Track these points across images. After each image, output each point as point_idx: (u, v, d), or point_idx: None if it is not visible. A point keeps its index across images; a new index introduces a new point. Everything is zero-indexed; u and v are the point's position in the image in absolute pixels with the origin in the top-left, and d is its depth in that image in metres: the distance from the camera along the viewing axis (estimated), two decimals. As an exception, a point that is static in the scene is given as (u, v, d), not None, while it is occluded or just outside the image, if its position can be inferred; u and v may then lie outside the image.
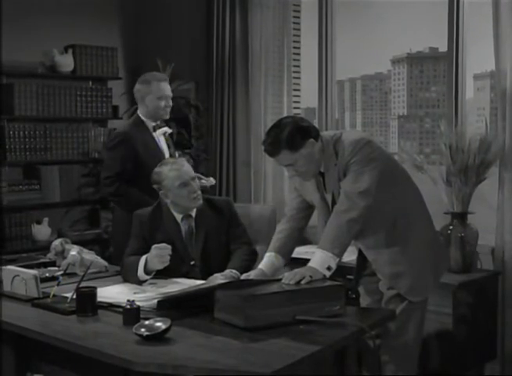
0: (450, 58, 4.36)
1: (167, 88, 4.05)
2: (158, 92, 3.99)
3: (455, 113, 4.33)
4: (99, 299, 2.77)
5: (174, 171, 3.33)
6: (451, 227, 3.93)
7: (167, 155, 4.01)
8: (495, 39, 3.88)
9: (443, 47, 4.43)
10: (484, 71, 4.77)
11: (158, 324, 2.42)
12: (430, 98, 5.58)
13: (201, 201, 3.36)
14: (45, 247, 4.10)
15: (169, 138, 4.13)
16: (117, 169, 3.90)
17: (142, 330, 2.40)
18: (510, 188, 3.89)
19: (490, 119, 4.18)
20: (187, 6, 5.77)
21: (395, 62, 5.74)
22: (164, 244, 3.12)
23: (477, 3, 4.29)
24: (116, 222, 4.21)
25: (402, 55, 5.69)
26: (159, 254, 3.10)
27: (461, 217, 3.93)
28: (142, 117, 4.05)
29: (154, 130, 4.04)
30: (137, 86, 4.07)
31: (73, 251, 3.44)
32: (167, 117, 4.10)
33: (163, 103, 4.00)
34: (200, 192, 3.36)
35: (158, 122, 4.07)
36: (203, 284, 2.93)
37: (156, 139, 4.04)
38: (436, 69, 5.53)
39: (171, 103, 4.06)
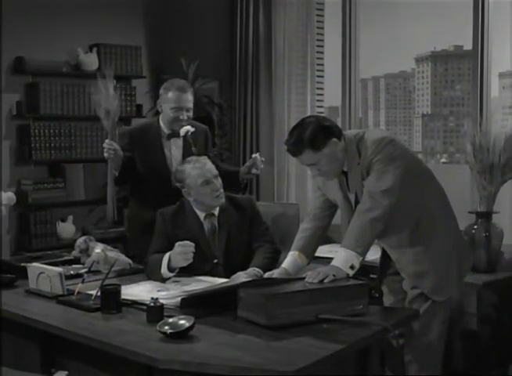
0: (475, 56, 4.32)
1: (184, 100, 3.71)
2: (173, 103, 3.71)
3: (480, 112, 4.30)
4: (123, 297, 2.79)
5: (197, 169, 3.34)
6: (475, 227, 3.91)
7: (175, 163, 3.75)
8: (521, 37, 3.86)
9: (468, 45, 4.40)
10: (510, 69, 4.72)
11: (182, 322, 2.43)
12: (455, 96, 5.54)
13: (224, 199, 3.37)
14: (70, 245, 4.14)
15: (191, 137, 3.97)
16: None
17: (166, 327, 2.42)
18: (536, 187, 3.86)
19: (515, 118, 4.15)
20: (211, 5, 5.78)
21: (419, 60, 5.71)
22: (187, 242, 3.13)
23: (501, 1, 4.25)
24: (130, 218, 4.10)
25: (426, 53, 5.67)
26: (182, 251, 3.11)
27: (486, 216, 3.90)
28: (160, 122, 3.84)
29: (169, 138, 3.81)
30: (160, 90, 3.83)
31: (98, 248, 3.46)
32: (183, 130, 3.74)
33: (177, 115, 3.72)
34: (222, 190, 3.36)
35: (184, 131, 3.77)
36: (226, 282, 2.94)
37: (170, 146, 3.81)
38: (461, 67, 5.49)
39: (187, 116, 3.74)
